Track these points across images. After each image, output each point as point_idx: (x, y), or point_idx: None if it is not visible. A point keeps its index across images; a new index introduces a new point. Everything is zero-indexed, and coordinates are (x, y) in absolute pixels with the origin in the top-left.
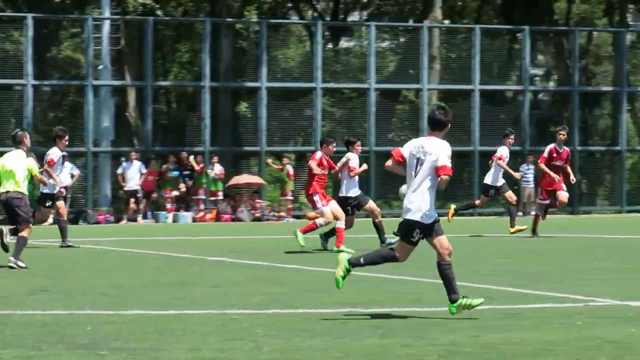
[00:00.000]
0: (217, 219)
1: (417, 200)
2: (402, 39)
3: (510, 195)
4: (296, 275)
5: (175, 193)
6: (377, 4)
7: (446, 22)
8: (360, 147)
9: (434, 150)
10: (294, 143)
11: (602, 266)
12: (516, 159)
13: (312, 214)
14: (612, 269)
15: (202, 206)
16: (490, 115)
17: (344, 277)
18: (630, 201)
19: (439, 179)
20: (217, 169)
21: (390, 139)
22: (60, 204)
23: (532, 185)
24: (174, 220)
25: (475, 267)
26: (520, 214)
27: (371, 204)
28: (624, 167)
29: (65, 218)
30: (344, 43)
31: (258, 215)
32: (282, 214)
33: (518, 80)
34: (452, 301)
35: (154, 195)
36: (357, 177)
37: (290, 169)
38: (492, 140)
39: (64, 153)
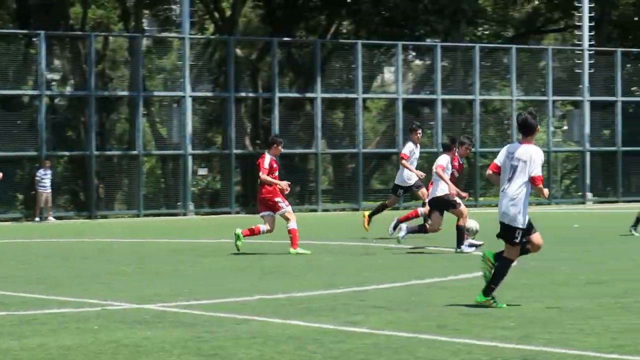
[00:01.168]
0: None
1: (514, 206)
2: None
3: (423, 192)
4: None
5: None
6: None
7: None
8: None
9: (529, 158)
10: None
11: (119, 270)
12: (33, 164)
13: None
14: (129, 273)
15: None
16: (6, 121)
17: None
18: (146, 205)
19: (534, 186)
20: None
21: None
22: None
23: (49, 190)
24: None
25: None
26: (37, 219)
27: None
28: (140, 171)
29: None
30: None
31: None
32: None
33: (34, 85)
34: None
35: None
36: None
37: None
38: (7, 147)
39: None
